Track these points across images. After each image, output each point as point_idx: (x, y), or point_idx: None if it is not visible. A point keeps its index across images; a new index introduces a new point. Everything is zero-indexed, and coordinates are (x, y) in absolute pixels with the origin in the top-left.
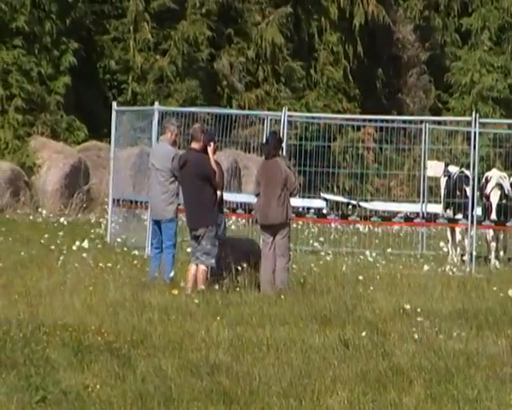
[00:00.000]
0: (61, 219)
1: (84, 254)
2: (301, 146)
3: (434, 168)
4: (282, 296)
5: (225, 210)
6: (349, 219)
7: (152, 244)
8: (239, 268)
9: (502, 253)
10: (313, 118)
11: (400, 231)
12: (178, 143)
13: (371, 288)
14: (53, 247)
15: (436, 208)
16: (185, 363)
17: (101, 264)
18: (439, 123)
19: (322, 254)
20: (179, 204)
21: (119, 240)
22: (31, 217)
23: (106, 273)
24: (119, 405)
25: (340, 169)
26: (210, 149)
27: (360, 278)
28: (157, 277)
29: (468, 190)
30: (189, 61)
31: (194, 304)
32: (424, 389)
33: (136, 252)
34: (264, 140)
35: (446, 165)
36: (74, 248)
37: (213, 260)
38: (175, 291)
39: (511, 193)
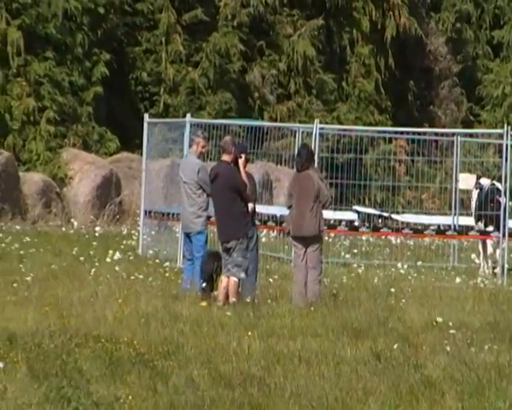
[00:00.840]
0: (93, 231)
1: (117, 267)
2: (333, 158)
3: (466, 181)
4: (314, 309)
5: (257, 222)
6: (381, 231)
7: (184, 256)
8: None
9: None
10: (345, 130)
11: (432, 243)
12: (211, 156)
13: (403, 300)
14: (84, 258)
15: (468, 221)
16: (217, 375)
17: (132, 276)
18: (471, 135)
19: (354, 266)
20: (210, 217)
21: (150, 252)
22: (62, 228)
23: (138, 285)
24: None
25: (371, 181)
26: (241, 162)
27: (392, 290)
28: (189, 288)
29: (501, 202)
30: (220, 74)
31: (225, 316)
32: (456, 401)
33: (168, 264)
34: (296, 152)
35: (478, 177)
36: (107, 260)
37: (244, 274)
38: (203, 303)
39: None
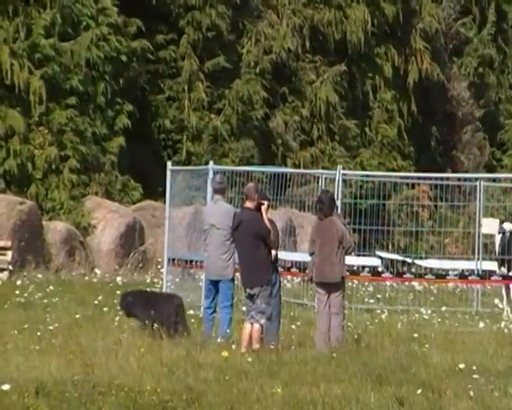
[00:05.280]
0: (117, 279)
1: None
2: (356, 204)
3: (489, 225)
4: (337, 354)
5: (280, 269)
6: (404, 276)
7: (205, 306)
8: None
9: None
10: (368, 176)
11: (455, 288)
12: (234, 203)
13: (426, 346)
14: (108, 307)
15: (491, 266)
16: None
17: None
18: (494, 180)
19: (378, 312)
20: (235, 263)
21: None
22: (86, 277)
23: (161, 333)
24: None
25: (394, 227)
26: (263, 208)
27: (415, 335)
28: (212, 336)
29: None
30: (243, 120)
31: (248, 363)
32: None
33: (192, 311)
34: (317, 198)
35: (501, 222)
36: None
37: (267, 320)
38: (225, 353)
39: None
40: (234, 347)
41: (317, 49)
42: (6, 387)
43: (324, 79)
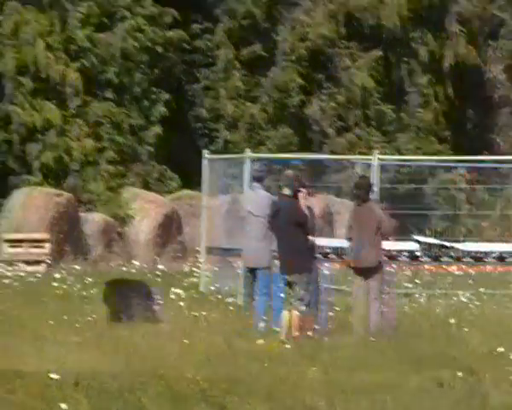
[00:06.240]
0: (155, 269)
1: (181, 303)
2: (393, 189)
3: None
4: (375, 339)
5: (318, 255)
6: (441, 260)
7: (244, 294)
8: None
9: None
10: (405, 161)
11: (494, 271)
12: (271, 190)
13: (465, 329)
14: None
15: None
16: (280, 408)
17: (195, 313)
18: None
19: (416, 296)
20: (273, 251)
21: (212, 288)
22: (124, 268)
23: (200, 322)
24: None
25: (432, 211)
26: (301, 196)
27: (454, 319)
28: (263, 326)
29: None
30: (279, 108)
31: (287, 350)
32: None
33: (230, 300)
34: (354, 184)
35: None
36: (171, 297)
37: (306, 307)
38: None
39: None
40: (272, 334)
41: (352, 36)
42: (54, 376)
43: (360, 65)
